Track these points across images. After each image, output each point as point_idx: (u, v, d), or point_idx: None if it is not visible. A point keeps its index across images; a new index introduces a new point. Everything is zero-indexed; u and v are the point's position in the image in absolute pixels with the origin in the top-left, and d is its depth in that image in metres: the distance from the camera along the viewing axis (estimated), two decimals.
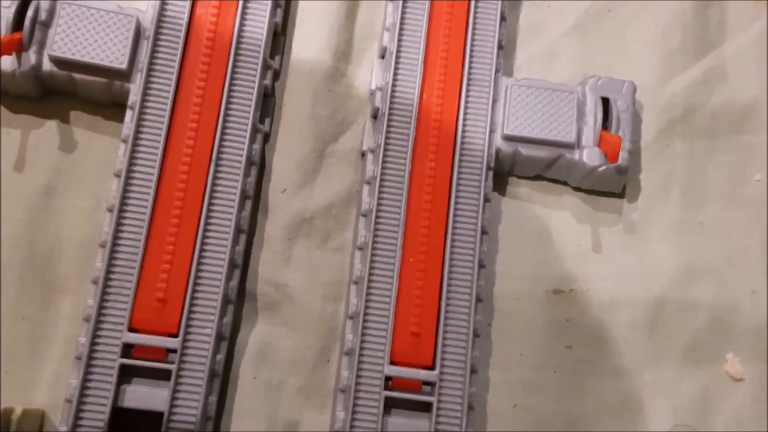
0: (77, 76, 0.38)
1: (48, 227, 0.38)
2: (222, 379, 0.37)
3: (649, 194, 0.43)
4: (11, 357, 0.36)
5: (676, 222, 0.42)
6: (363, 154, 0.41)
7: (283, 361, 0.38)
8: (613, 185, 0.42)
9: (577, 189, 0.42)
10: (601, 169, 0.40)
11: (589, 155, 0.40)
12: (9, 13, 0.38)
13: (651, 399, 0.39)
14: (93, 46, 0.38)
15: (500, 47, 0.42)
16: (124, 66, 0.38)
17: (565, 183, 0.42)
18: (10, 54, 0.37)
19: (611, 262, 0.41)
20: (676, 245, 0.42)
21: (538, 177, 0.42)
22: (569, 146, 0.41)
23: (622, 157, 0.40)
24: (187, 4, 0.39)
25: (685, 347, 0.40)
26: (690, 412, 0.39)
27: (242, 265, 0.38)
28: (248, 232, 0.39)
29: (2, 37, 0.36)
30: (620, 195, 0.42)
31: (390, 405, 0.36)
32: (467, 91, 0.41)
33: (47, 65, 0.38)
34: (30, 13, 0.38)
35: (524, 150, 0.40)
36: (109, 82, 0.38)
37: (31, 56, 0.38)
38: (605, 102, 0.41)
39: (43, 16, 0.38)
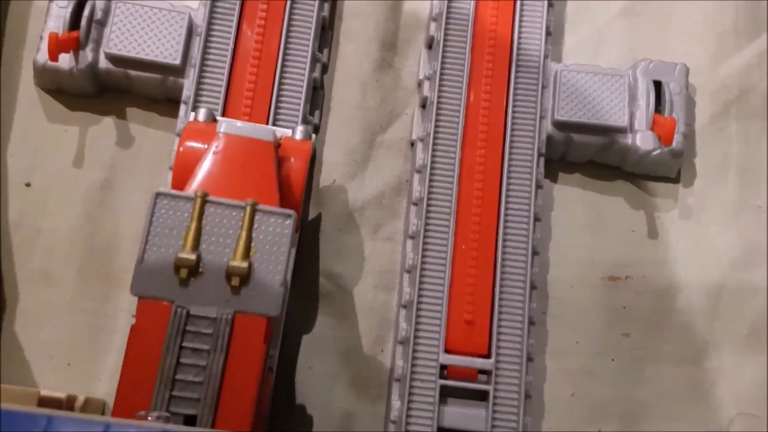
0: (132, 72, 0.39)
1: (105, 221, 0.39)
2: (278, 369, 0.37)
3: (704, 178, 0.42)
4: (72, 348, 0.37)
5: (733, 205, 0.41)
6: (412, 144, 0.42)
7: (337, 351, 0.38)
8: (667, 169, 0.41)
9: (631, 174, 0.42)
10: (655, 152, 0.40)
11: (643, 139, 0.40)
12: (66, 12, 0.39)
13: (712, 386, 0.39)
14: (147, 43, 0.39)
15: (548, 33, 0.41)
16: (177, 62, 0.39)
17: (618, 168, 0.42)
18: (67, 52, 0.38)
19: (667, 248, 0.41)
20: (734, 229, 0.41)
21: (590, 163, 0.42)
22: (622, 130, 0.40)
23: (677, 140, 0.40)
24: (238, 1, 0.40)
25: (746, 332, 0.39)
26: (753, 399, 0.38)
27: (295, 257, 0.38)
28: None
29: (60, 35, 0.37)
30: (675, 179, 0.42)
31: (446, 394, 0.36)
32: (516, 77, 0.40)
33: (103, 62, 0.39)
34: (86, 12, 0.39)
35: (576, 135, 0.40)
36: (163, 78, 0.39)
37: (87, 54, 0.39)
38: (657, 85, 0.41)
39: (98, 14, 0.39)
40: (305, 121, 0.39)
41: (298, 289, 0.39)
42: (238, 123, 0.33)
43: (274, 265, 0.29)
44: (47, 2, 0.40)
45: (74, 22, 0.39)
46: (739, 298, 0.40)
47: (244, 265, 0.29)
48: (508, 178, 0.39)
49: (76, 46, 0.38)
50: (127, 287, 0.37)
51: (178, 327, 0.28)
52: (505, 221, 0.38)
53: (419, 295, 0.37)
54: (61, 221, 0.39)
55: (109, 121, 0.41)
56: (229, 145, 0.32)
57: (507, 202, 0.38)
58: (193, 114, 0.35)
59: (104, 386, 0.37)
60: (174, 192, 0.30)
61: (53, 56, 0.37)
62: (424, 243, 0.38)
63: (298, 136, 0.35)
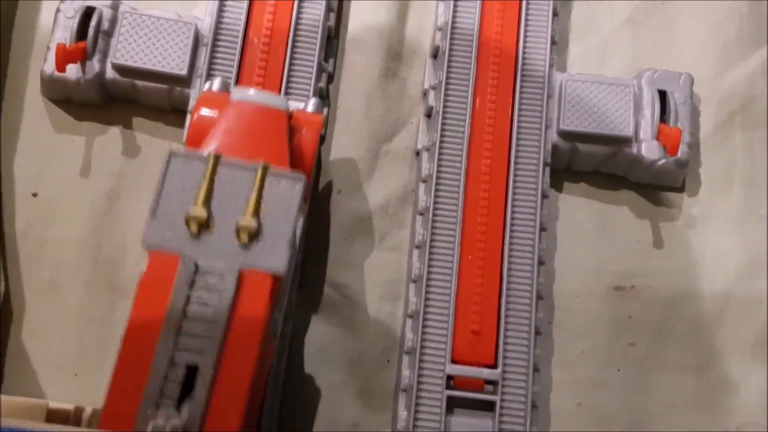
0: (139, 82, 0.39)
1: (112, 231, 0.39)
2: (285, 379, 0.37)
3: (709, 187, 0.42)
4: (80, 359, 0.37)
5: (737, 215, 0.42)
6: (418, 153, 0.42)
7: (343, 361, 0.38)
8: (673, 179, 0.41)
9: (636, 184, 0.42)
10: (660, 162, 0.40)
11: (648, 149, 0.40)
12: (73, 23, 0.39)
13: (718, 396, 0.39)
14: (154, 54, 0.39)
15: (553, 43, 0.42)
16: (184, 72, 0.39)
17: (623, 178, 0.42)
18: (75, 63, 0.38)
19: (673, 258, 0.41)
20: (739, 238, 0.41)
21: (596, 172, 0.42)
22: (627, 140, 0.40)
23: (682, 150, 0.40)
24: (244, 10, 0.40)
25: (752, 342, 0.39)
26: (759, 409, 0.39)
27: (301, 267, 0.39)
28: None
29: (67, 46, 0.37)
30: (680, 189, 0.42)
31: (452, 404, 0.36)
32: (521, 87, 0.40)
33: (110, 73, 0.39)
34: (93, 22, 0.39)
35: (581, 145, 0.40)
36: (169, 88, 0.39)
37: (94, 64, 0.39)
38: (662, 95, 0.41)
39: (105, 25, 0.39)
40: None
41: (303, 299, 0.39)
42: (251, 91, 0.33)
43: (282, 225, 0.29)
44: (54, 13, 0.40)
45: (81, 32, 0.39)
46: (744, 307, 0.40)
47: (254, 222, 0.29)
48: (514, 187, 0.39)
49: (83, 57, 0.38)
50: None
51: (185, 278, 0.28)
52: (511, 231, 0.38)
53: (425, 305, 0.37)
54: (68, 231, 0.39)
55: (115, 131, 0.41)
56: (242, 112, 0.32)
57: (513, 212, 0.38)
58: (207, 84, 0.35)
59: None
60: (187, 152, 0.30)
61: (61, 67, 0.37)
62: (430, 253, 0.38)
63: (310, 108, 0.35)
